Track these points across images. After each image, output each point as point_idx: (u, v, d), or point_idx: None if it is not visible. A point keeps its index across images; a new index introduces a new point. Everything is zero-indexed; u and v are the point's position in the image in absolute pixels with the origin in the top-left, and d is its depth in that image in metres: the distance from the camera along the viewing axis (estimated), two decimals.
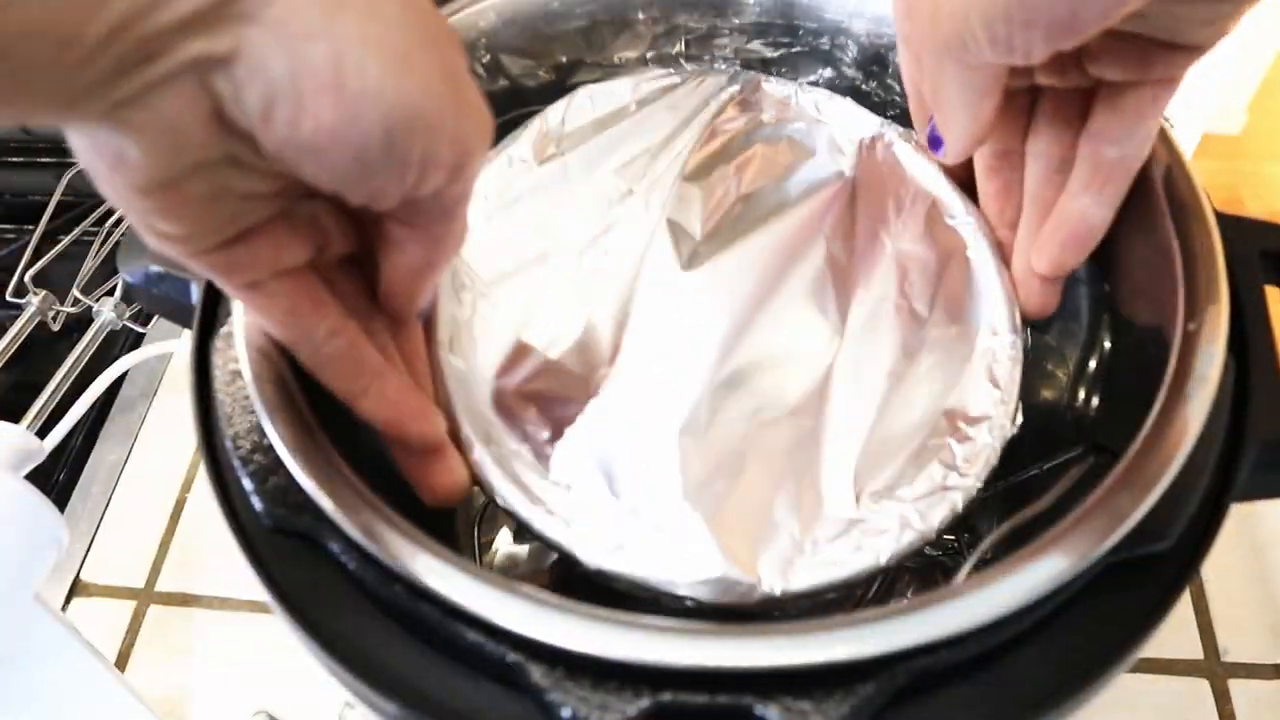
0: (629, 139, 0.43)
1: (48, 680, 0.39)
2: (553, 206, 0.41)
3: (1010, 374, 0.35)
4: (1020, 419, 0.35)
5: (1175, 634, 0.46)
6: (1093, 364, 0.39)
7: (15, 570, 0.34)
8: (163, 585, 0.51)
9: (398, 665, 0.26)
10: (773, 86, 0.44)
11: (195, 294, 0.34)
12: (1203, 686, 0.45)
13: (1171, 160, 0.33)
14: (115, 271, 0.59)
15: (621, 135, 0.43)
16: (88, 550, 0.52)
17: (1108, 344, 0.38)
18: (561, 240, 0.40)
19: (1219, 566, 0.48)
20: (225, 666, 0.48)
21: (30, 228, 0.63)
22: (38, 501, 0.35)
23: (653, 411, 0.35)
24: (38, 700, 0.39)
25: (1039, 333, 0.43)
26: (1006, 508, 0.38)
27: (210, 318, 0.34)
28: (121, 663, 0.48)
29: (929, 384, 0.36)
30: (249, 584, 0.28)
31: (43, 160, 0.75)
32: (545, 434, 0.35)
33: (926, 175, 0.41)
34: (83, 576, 0.52)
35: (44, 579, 0.35)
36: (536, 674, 0.24)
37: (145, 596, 0.51)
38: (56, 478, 0.56)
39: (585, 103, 0.43)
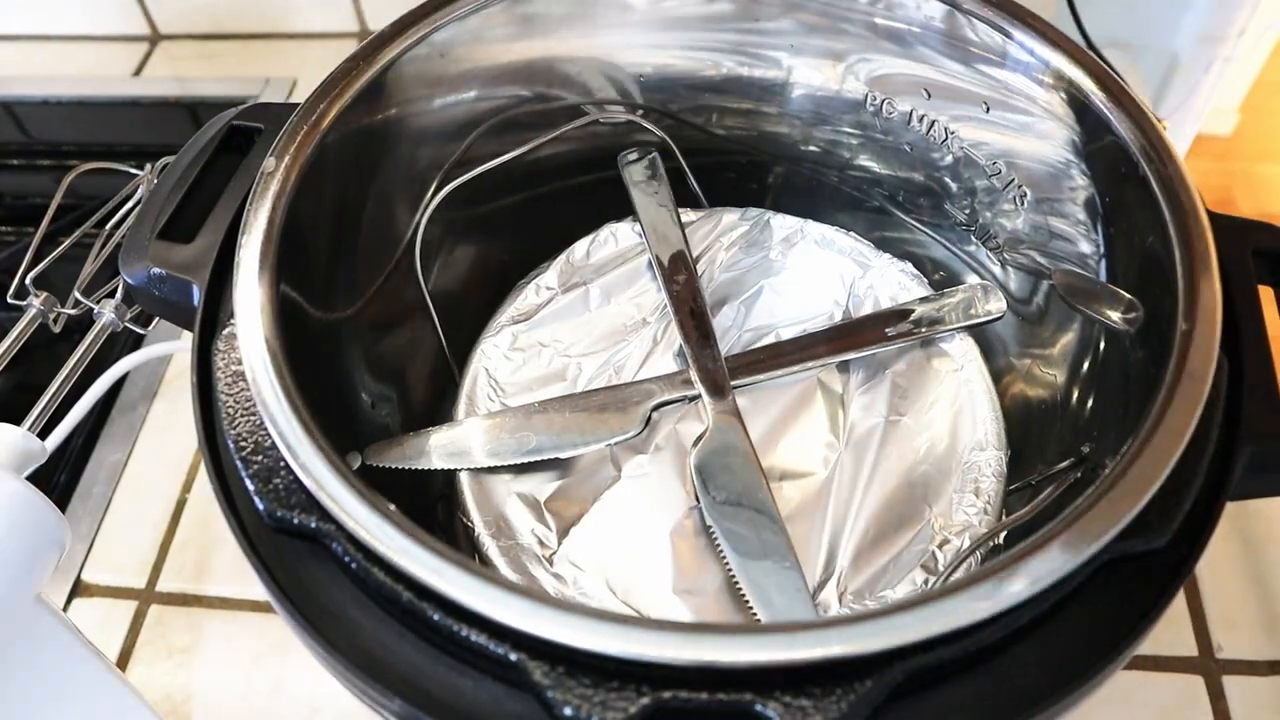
0: (646, 272, 0.46)
1: (49, 680, 0.39)
2: (573, 330, 0.44)
3: (993, 486, 0.38)
4: (1004, 536, 0.37)
5: (1170, 631, 0.46)
6: (1087, 365, 0.39)
7: (17, 571, 0.34)
8: (164, 585, 0.51)
9: (400, 664, 0.26)
10: (779, 222, 0.47)
11: (197, 296, 0.34)
12: (1198, 684, 0.45)
13: (1165, 161, 0.33)
14: (116, 273, 0.58)
15: (639, 268, 0.46)
16: (89, 550, 0.52)
17: (1102, 345, 0.38)
18: (578, 360, 0.43)
19: (1214, 564, 0.49)
20: (227, 666, 0.48)
21: (30, 230, 0.63)
22: (39, 503, 0.35)
23: (650, 516, 0.38)
24: (39, 700, 0.39)
25: (1036, 330, 0.43)
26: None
27: (212, 320, 0.34)
28: (123, 662, 0.48)
29: (917, 493, 0.39)
30: (251, 583, 0.28)
31: (42, 163, 0.75)
32: (553, 533, 0.38)
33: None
34: (84, 577, 0.52)
35: (46, 579, 0.35)
36: (538, 672, 0.25)
37: (146, 596, 0.51)
38: (58, 479, 0.56)
39: (608, 238, 0.47)
